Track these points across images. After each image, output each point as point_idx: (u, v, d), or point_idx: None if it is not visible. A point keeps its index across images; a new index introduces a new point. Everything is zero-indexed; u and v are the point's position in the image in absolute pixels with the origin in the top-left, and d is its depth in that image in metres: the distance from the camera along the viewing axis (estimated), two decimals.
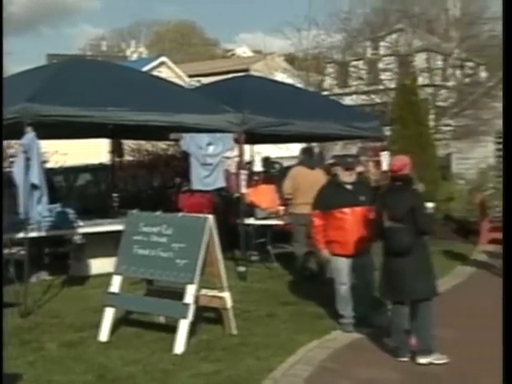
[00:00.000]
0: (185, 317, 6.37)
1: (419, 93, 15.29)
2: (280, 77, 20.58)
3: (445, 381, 5.64)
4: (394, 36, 18.81)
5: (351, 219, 6.95)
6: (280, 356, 6.17)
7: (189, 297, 6.40)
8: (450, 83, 19.14)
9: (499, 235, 13.67)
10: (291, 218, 10.37)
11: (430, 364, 5.90)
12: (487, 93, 17.40)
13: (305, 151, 10.73)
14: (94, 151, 17.03)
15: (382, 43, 19.52)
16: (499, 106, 16.68)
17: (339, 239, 7.01)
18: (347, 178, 7.12)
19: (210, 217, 6.71)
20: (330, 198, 7.09)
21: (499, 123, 16.75)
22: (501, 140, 17.83)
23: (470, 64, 19.76)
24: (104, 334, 6.72)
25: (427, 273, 6.06)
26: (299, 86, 17.64)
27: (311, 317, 7.70)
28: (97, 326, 6.80)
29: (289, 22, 28.01)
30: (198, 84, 19.89)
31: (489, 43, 18.24)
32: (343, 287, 7.14)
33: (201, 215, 7.02)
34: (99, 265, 9.88)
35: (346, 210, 6.98)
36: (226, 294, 6.77)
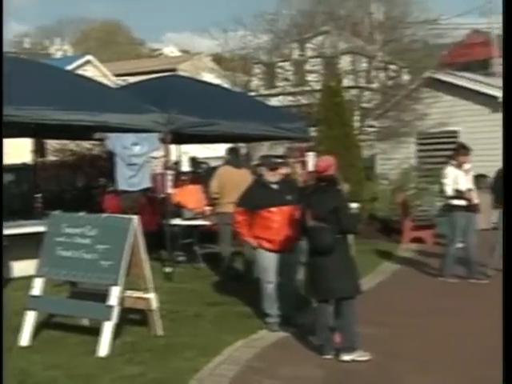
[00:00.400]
0: (109, 319, 6.27)
1: (344, 94, 15.53)
2: (207, 77, 20.55)
3: (367, 377, 5.73)
4: (319, 38, 19.03)
5: (278, 218, 7.00)
6: (206, 356, 6.15)
7: (113, 299, 6.31)
8: (374, 85, 19.51)
9: (421, 234, 14.10)
10: (218, 218, 10.37)
11: (353, 361, 6.00)
12: (409, 95, 17.82)
13: (231, 151, 10.74)
14: (16, 151, 16.60)
15: (308, 45, 19.73)
16: (420, 108, 17.15)
17: (266, 237, 7.07)
18: (272, 177, 7.18)
19: (135, 217, 6.63)
20: (257, 198, 7.13)
21: (420, 125, 17.22)
22: (421, 141, 18.43)
23: (393, 67, 20.17)
24: (25, 338, 6.56)
25: (350, 271, 6.16)
26: (226, 86, 17.64)
27: (238, 316, 7.71)
28: (18, 329, 6.63)
29: (215, 23, 27.99)
30: (124, 83, 19.64)
31: (410, 47, 18.68)
32: (270, 286, 7.18)
33: (125, 216, 6.94)
34: (22, 267, 9.62)
35: (274, 209, 7.03)
36: (152, 295, 6.71)
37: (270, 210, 7.04)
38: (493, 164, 14.75)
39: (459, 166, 9.73)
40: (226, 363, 6.05)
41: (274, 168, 7.20)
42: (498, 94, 17.38)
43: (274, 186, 7.17)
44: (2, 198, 7.98)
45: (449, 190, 9.73)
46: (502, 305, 4.02)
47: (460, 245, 11.47)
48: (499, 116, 17.29)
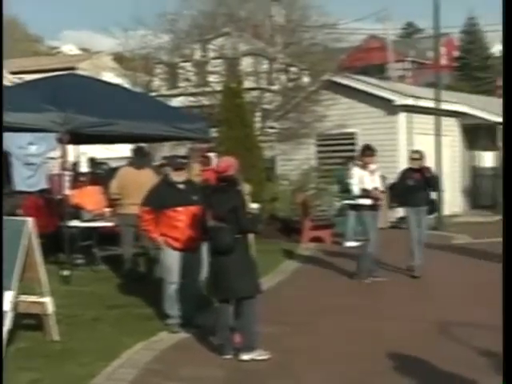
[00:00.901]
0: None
1: (245, 96, 15.62)
2: (108, 76, 20.18)
3: (266, 375, 5.78)
4: (221, 39, 19.07)
5: (184, 218, 7.00)
6: (104, 360, 6.02)
7: (6, 303, 6.08)
8: (275, 87, 19.72)
9: (320, 233, 14.37)
10: (119, 219, 10.20)
11: (253, 360, 6.03)
12: (309, 97, 18.11)
13: (136, 151, 10.61)
14: None
15: (210, 46, 19.73)
16: (320, 110, 17.47)
17: (172, 236, 7.05)
18: (178, 177, 7.18)
19: (30, 219, 6.42)
20: (163, 198, 7.10)
21: (319, 126, 17.53)
22: (321, 143, 18.78)
23: (293, 69, 20.46)
24: None
25: (251, 271, 6.19)
26: (126, 86, 17.38)
27: (138, 319, 7.61)
28: None
29: (116, 21, 27.52)
30: (20, 81, 19.00)
31: (310, 50, 19.00)
32: (172, 286, 7.14)
33: (19, 218, 6.71)
34: None
35: (179, 208, 7.02)
36: (47, 300, 6.52)
37: (175, 210, 7.03)
38: (389, 165, 15.27)
39: (364, 166, 9.96)
40: (124, 367, 5.95)
41: (179, 168, 7.20)
42: (393, 97, 17.96)
43: (180, 186, 7.17)
44: (2, 198, 7.61)
45: (355, 190, 9.96)
46: (503, 305, 4.11)
47: (357, 243, 11.76)
48: (395, 118, 17.97)
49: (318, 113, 17.41)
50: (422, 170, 10.25)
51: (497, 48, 68.24)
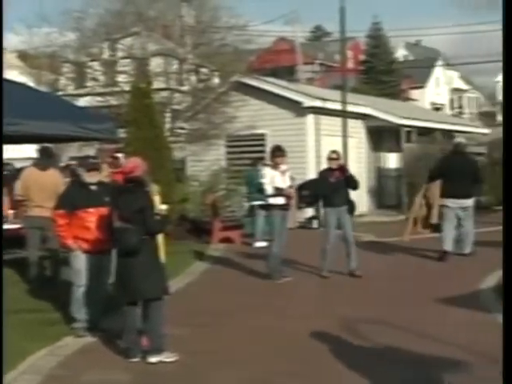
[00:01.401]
0: None
1: (154, 96, 15.48)
2: (12, 74, 19.54)
3: (174, 377, 5.75)
4: (129, 39, 18.82)
5: (95, 219, 6.88)
6: (7, 367, 5.83)
7: None
8: (185, 87, 19.64)
9: (229, 234, 14.42)
10: (24, 222, 9.91)
11: (160, 362, 5.98)
12: (218, 98, 18.14)
13: (41, 152, 10.32)
14: None
15: (118, 45, 19.44)
16: (229, 111, 17.52)
17: (83, 238, 6.95)
18: (90, 178, 7.08)
19: None
20: (75, 199, 6.98)
21: (229, 127, 17.59)
22: (230, 144, 18.83)
23: (204, 70, 20.43)
24: None
25: (158, 272, 6.14)
26: (31, 84, 16.89)
27: (43, 324, 7.41)
28: None
29: (20, 18, 26.72)
30: None
31: (220, 51, 19.03)
32: (80, 289, 7.01)
33: None
34: None
35: (91, 210, 6.91)
36: None
37: (87, 211, 6.93)
38: (298, 166, 15.50)
39: (275, 167, 10.04)
40: (27, 373, 5.79)
41: (92, 169, 7.10)
42: (302, 99, 18.22)
43: (93, 187, 7.07)
44: (2, 199, 7.25)
45: (268, 190, 10.02)
46: (503, 305, 4.16)
47: (265, 243, 11.86)
48: (303, 120, 18.23)
49: (228, 114, 17.46)
50: (341, 170, 10.34)
51: (400, 53, 70.51)
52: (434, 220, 11.63)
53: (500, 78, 76.08)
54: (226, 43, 19.41)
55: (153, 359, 6.00)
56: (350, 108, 18.54)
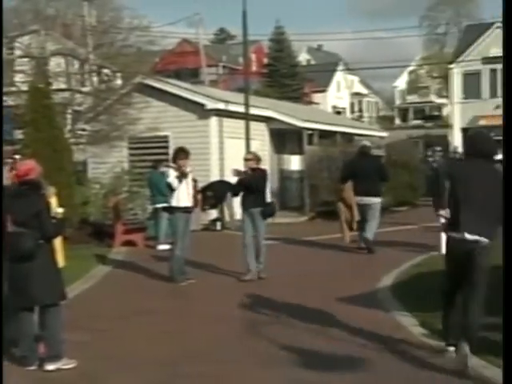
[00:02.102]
0: None
1: (54, 96, 15.07)
2: None
3: None
4: (27, 37, 18.26)
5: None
6: None
7: None
8: (87, 88, 19.24)
9: (132, 237, 14.21)
10: None
11: (58, 370, 5.81)
12: (120, 99, 17.85)
13: None
14: None
15: (16, 44, 18.83)
16: (132, 112, 17.27)
17: None
18: None
19: None
20: None
21: (132, 129, 17.34)
22: (133, 145, 18.57)
23: (106, 71, 20.08)
24: None
25: (54, 277, 5.96)
26: None
27: None
28: None
29: None
30: None
31: (122, 52, 18.75)
32: None
33: None
34: None
35: None
36: None
37: None
38: (201, 168, 15.46)
39: (179, 169, 9.98)
40: None
41: None
42: (205, 101, 18.19)
43: None
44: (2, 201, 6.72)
45: (173, 192, 9.93)
46: (503, 305, 4.13)
47: (168, 246, 11.75)
48: (206, 122, 18.20)
49: (131, 115, 17.20)
50: (256, 172, 10.19)
51: (303, 57, 71.71)
52: (357, 218, 12.37)
53: (397, 83, 78.65)
54: (128, 44, 19.15)
55: (50, 366, 5.82)
56: (253, 111, 18.67)
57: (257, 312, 7.96)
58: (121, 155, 18.30)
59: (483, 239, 5.53)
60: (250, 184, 10.13)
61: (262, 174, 10.26)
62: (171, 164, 10.21)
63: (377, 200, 12.50)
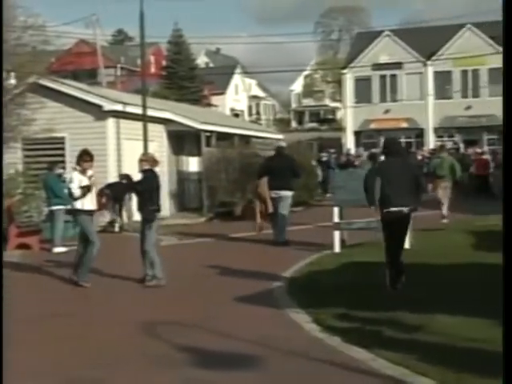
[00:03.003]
0: None
1: None
2: None
3: None
4: None
5: None
6: None
7: None
8: None
9: (27, 240, 13.76)
10: None
11: None
12: (14, 100, 17.24)
13: None
14: None
15: None
16: (26, 113, 16.72)
17: None
18: None
19: None
20: None
21: (26, 130, 16.78)
22: (28, 147, 17.99)
23: None
24: None
25: None
26: None
27: None
28: None
29: None
30: None
31: (16, 51, 18.11)
32: None
33: None
34: None
35: None
36: None
37: None
38: (99, 170, 15.05)
39: (83, 171, 9.77)
40: None
41: None
42: (102, 102, 17.86)
43: None
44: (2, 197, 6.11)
45: (77, 194, 9.71)
46: (503, 304, 4.04)
47: (64, 249, 11.46)
48: (103, 123, 17.87)
49: (25, 116, 16.65)
50: (146, 174, 9.86)
51: (201, 59, 71.71)
52: (270, 210, 13.45)
53: (293, 86, 79.98)
54: (22, 43, 18.51)
55: None
56: (151, 112, 18.50)
57: (155, 314, 7.89)
58: (15, 156, 17.65)
59: (405, 209, 8.33)
60: (137, 187, 10.05)
61: (152, 176, 9.88)
62: (77, 167, 9.96)
63: (289, 193, 13.59)
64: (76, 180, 9.74)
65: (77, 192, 9.69)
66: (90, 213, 9.88)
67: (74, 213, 9.99)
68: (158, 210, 9.88)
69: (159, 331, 7.01)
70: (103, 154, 17.26)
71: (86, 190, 9.71)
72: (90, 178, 9.83)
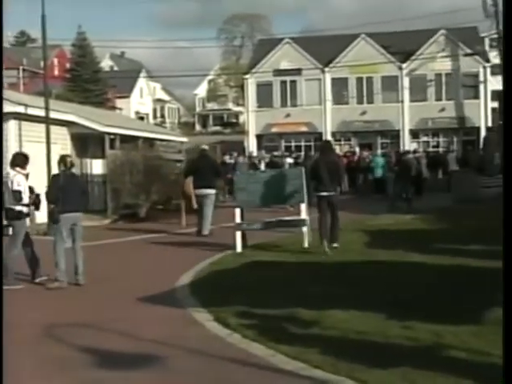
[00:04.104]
0: None
1: None
2: None
3: None
4: None
5: None
6: None
7: None
8: None
9: None
10: None
11: None
12: None
13: None
14: None
15: None
16: None
17: None
18: None
19: None
20: None
21: None
22: None
23: None
24: None
25: None
26: None
27: None
28: None
29: None
30: None
31: None
32: None
33: None
34: None
35: None
36: None
37: None
38: None
39: (25, 175, 9.62)
40: None
41: None
42: (3, 104, 17.22)
43: None
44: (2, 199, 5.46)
45: (25, 198, 9.49)
46: (503, 304, 3.90)
47: None
48: (5, 126, 17.23)
49: None
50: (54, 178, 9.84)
51: (106, 63, 70.47)
52: (195, 206, 14.61)
53: (198, 91, 79.91)
54: None
55: None
56: (54, 115, 18.01)
57: (54, 316, 7.70)
58: None
59: (333, 193, 11.70)
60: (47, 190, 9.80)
61: (59, 178, 9.64)
62: (18, 169, 9.62)
63: (212, 191, 14.64)
64: (22, 183, 9.46)
65: (25, 197, 9.45)
66: (26, 215, 9.70)
67: (18, 215, 9.56)
68: (65, 212, 9.47)
69: (59, 334, 6.85)
70: (4, 156, 16.66)
71: (35, 196, 9.51)
72: (26, 177, 9.63)
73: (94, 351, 6.05)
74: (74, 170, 10.32)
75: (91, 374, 5.49)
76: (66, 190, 9.44)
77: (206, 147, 16.40)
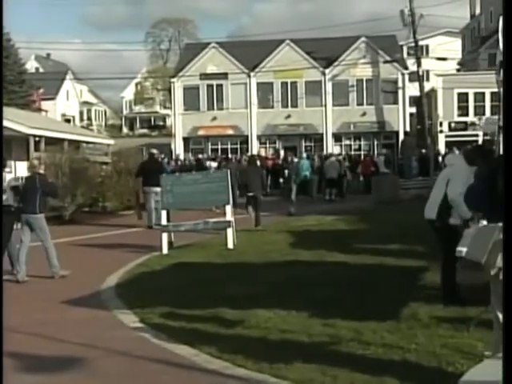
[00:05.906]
0: None
1: None
2: None
3: None
4: None
5: None
6: None
7: None
8: None
9: None
10: None
11: None
12: None
13: None
14: None
15: None
16: None
17: None
18: None
19: None
20: None
21: None
22: None
23: None
24: None
25: None
26: None
27: None
28: None
29: None
30: None
31: None
32: None
33: None
34: None
35: None
36: None
37: None
38: None
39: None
40: None
41: None
42: None
43: None
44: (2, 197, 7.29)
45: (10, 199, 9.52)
46: (503, 304, 3.72)
47: None
48: None
49: None
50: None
51: (31, 64, 68.63)
52: (141, 200, 16.49)
53: (125, 93, 78.82)
54: None
55: None
56: None
57: None
58: None
59: (257, 192, 15.04)
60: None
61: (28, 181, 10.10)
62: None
63: (158, 189, 14.61)
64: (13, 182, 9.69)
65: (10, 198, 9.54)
66: None
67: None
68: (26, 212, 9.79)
69: None
70: None
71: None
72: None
73: (17, 355, 5.86)
74: None
75: (15, 379, 5.32)
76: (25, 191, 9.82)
77: (154, 151, 17.62)
